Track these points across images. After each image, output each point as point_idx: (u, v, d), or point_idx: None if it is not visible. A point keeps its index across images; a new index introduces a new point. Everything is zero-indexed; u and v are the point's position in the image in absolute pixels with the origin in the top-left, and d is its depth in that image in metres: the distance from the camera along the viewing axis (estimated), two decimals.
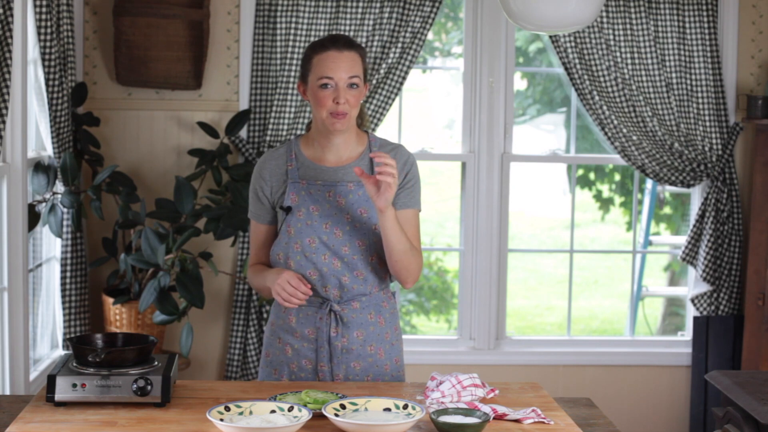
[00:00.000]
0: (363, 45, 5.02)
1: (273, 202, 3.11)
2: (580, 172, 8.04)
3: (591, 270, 9.42)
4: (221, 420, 2.50)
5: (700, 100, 5.21)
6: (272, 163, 3.12)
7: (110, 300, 4.79)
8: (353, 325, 3.08)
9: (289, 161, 3.10)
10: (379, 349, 3.12)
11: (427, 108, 9.78)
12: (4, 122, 3.63)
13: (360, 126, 3.17)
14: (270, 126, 5.05)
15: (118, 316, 4.78)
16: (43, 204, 4.51)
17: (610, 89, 5.18)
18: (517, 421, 2.68)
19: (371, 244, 3.06)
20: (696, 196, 5.43)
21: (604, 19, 5.16)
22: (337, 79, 2.99)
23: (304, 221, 3.04)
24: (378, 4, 5.05)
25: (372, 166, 3.09)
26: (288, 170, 3.09)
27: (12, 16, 3.70)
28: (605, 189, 8.31)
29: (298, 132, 5.04)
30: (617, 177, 8.21)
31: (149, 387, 2.69)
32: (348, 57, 3.01)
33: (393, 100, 5.11)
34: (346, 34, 5.00)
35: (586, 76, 5.17)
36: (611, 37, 5.17)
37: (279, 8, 5.02)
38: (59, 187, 4.56)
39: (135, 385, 2.69)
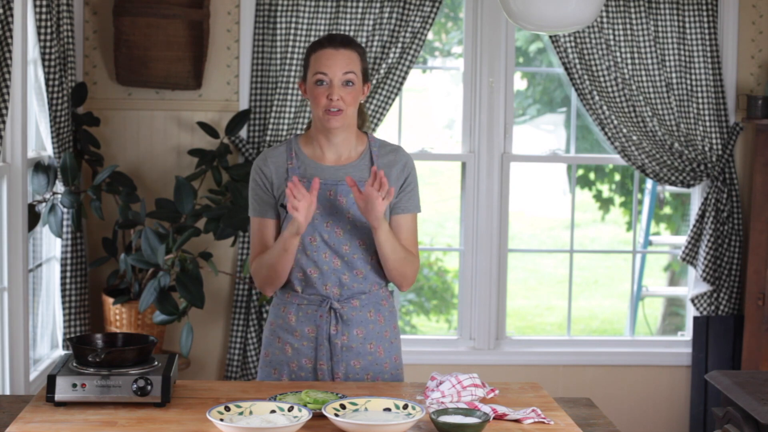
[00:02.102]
0: (363, 45, 5.02)
1: (277, 198, 3.11)
2: (580, 172, 8.04)
3: (591, 270, 9.42)
4: (221, 420, 2.50)
5: (700, 100, 5.21)
6: (273, 160, 3.12)
7: (110, 300, 4.79)
8: (353, 322, 3.09)
9: (289, 159, 3.10)
10: (378, 347, 3.12)
11: (427, 108, 9.78)
12: (4, 122, 3.63)
13: (360, 127, 3.17)
14: (270, 126, 5.05)
15: (118, 316, 4.78)
16: (43, 204, 4.51)
17: (610, 89, 5.18)
18: (517, 421, 2.68)
19: (371, 243, 3.06)
20: (696, 196, 5.43)
21: (604, 19, 5.16)
22: (331, 75, 3.01)
23: None
24: (378, 4, 5.05)
25: (371, 168, 3.09)
26: (288, 168, 3.09)
27: (12, 16, 3.70)
28: (605, 189, 8.31)
29: (299, 132, 5.04)
30: (617, 177, 8.21)
31: (149, 387, 2.69)
32: (344, 55, 3.03)
33: (393, 100, 5.11)
34: (346, 33, 5.01)
35: (586, 76, 5.17)
36: (611, 37, 5.17)
37: (279, 8, 5.02)
38: (59, 187, 4.56)
39: (135, 385, 2.69)
